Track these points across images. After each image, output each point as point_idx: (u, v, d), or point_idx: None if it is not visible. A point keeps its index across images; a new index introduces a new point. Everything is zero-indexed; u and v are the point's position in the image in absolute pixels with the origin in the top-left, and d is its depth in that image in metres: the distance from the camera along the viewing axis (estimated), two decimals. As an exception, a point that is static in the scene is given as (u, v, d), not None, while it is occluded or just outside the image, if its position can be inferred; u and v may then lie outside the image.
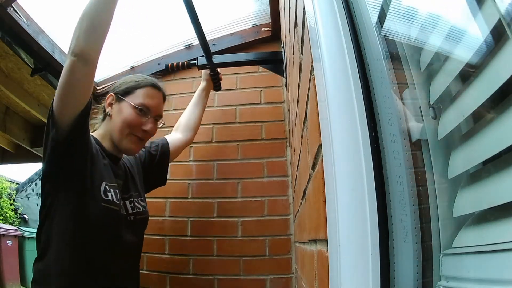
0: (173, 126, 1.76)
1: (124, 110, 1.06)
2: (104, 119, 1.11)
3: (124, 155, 1.20)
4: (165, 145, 1.35)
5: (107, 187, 0.99)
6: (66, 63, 0.85)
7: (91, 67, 0.88)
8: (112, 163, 1.08)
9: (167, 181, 1.61)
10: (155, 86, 1.14)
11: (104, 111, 1.10)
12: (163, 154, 1.33)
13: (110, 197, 0.98)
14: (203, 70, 1.55)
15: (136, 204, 1.13)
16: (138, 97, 1.08)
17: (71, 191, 0.93)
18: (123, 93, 1.08)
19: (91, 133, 1.08)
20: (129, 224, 1.06)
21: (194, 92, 1.82)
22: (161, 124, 1.17)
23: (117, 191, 1.03)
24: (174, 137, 1.42)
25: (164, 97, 1.19)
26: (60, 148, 0.89)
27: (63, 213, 0.92)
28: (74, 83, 0.86)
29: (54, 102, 0.88)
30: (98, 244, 0.96)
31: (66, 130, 0.88)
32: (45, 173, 0.95)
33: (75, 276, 0.91)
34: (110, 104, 1.09)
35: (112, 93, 1.10)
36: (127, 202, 1.09)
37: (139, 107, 1.06)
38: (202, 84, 1.55)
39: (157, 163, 1.32)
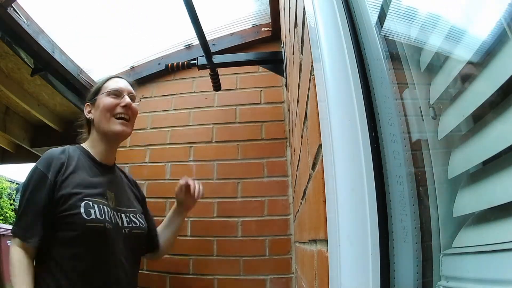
0: (172, 126, 1.77)
1: (100, 103, 1.12)
2: (89, 127, 1.16)
3: (128, 176, 1.23)
4: (154, 233, 1.24)
5: (89, 203, 0.96)
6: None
7: None
8: (102, 173, 1.08)
9: (168, 181, 1.61)
10: (116, 76, 1.21)
11: (87, 120, 1.16)
12: (147, 237, 1.19)
13: (93, 215, 0.95)
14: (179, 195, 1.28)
15: (133, 218, 1.09)
16: (106, 88, 1.15)
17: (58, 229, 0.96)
18: (94, 95, 1.16)
19: (81, 145, 1.13)
20: (124, 236, 1.03)
21: (194, 92, 1.82)
22: (138, 102, 1.20)
23: (101, 205, 0.99)
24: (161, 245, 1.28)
25: (128, 82, 1.22)
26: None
27: (60, 249, 0.95)
28: None
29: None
30: (93, 260, 0.95)
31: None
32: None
33: None
34: (89, 111, 1.16)
35: (86, 103, 1.18)
36: (123, 215, 1.06)
37: (110, 91, 1.13)
38: (174, 206, 1.30)
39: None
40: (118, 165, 1.22)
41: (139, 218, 1.12)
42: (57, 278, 0.91)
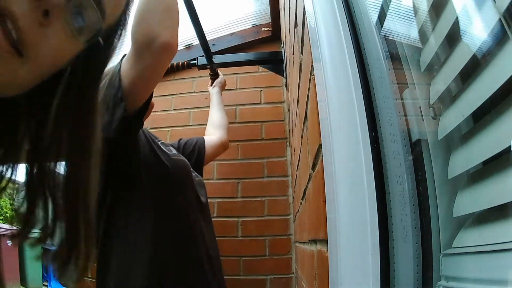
0: (172, 126, 1.77)
1: None
2: None
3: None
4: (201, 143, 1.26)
5: (164, 144, 0.92)
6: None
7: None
8: None
9: (167, 181, 1.59)
10: None
11: None
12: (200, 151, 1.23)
13: (174, 151, 0.92)
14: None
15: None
16: None
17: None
18: None
19: None
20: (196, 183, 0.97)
21: (194, 92, 1.83)
22: None
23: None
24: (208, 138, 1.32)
25: None
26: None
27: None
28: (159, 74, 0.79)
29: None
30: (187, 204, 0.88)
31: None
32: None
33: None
34: None
35: None
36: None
37: None
38: (212, 96, 1.48)
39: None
40: None
41: None
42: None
